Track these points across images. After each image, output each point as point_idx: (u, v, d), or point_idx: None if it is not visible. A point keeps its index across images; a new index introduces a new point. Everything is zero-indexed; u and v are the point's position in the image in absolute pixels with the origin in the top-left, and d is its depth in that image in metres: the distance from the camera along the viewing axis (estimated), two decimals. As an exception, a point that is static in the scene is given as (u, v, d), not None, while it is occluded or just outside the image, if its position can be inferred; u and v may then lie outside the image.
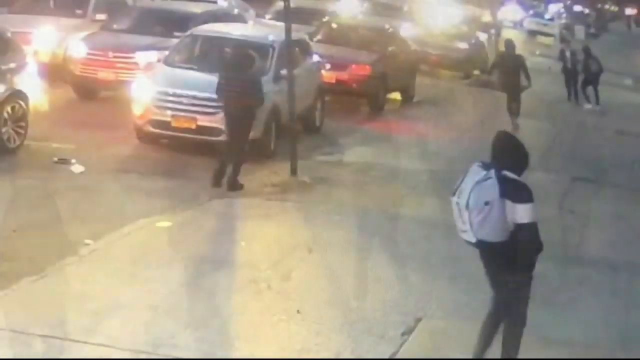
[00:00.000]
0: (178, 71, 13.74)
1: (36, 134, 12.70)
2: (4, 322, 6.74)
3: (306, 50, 15.73)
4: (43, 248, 8.66)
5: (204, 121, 12.73)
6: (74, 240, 8.87)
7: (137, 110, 13.10)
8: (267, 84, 13.03)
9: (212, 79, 12.94)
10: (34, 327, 6.67)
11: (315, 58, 16.12)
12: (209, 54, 14.51)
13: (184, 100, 12.89)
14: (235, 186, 11.32)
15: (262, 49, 13.90)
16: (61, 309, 7.07)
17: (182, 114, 12.85)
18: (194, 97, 12.86)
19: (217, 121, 12.55)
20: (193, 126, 12.79)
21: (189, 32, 14.94)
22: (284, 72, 13.22)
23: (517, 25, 38.81)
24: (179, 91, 12.97)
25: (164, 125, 12.86)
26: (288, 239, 9.48)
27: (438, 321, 7.74)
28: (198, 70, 13.65)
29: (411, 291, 8.37)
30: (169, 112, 12.85)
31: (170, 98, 12.94)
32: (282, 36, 14.31)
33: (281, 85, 13.17)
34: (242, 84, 11.49)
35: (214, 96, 12.37)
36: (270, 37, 14.54)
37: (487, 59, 28.74)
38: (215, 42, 14.65)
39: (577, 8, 59.38)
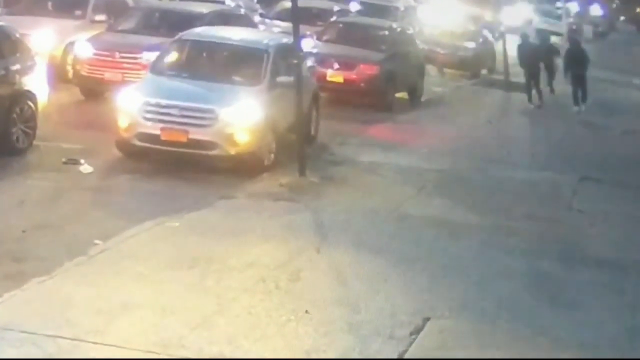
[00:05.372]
0: (167, 80, 12.91)
1: (45, 135, 12.73)
2: (13, 323, 6.75)
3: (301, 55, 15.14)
4: (52, 248, 8.69)
5: (196, 134, 11.89)
6: (83, 241, 8.89)
7: (122, 122, 12.15)
8: (262, 93, 12.50)
9: (205, 87, 12.42)
10: (44, 328, 6.68)
11: (309, 62, 15.27)
12: (200, 60, 13.78)
13: (174, 111, 12.02)
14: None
15: (255, 55, 13.17)
16: (70, 309, 7.09)
17: (172, 126, 11.96)
18: (185, 108, 12.00)
19: (210, 134, 11.89)
20: (184, 139, 11.91)
21: (177, 37, 13.96)
22: (280, 79, 12.82)
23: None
24: (168, 102, 12.10)
25: (153, 138, 11.98)
26: (296, 239, 9.47)
27: (446, 321, 7.73)
28: (189, 78, 12.93)
29: (419, 291, 8.36)
30: (157, 125, 11.96)
31: (159, 109, 12.06)
32: (278, 40, 14.02)
33: (277, 94, 12.65)
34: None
35: (207, 106, 11.88)
36: (265, 42, 13.70)
37: (495, 59, 28.75)
38: (206, 48, 13.87)
39: (595, 11, 59.03)
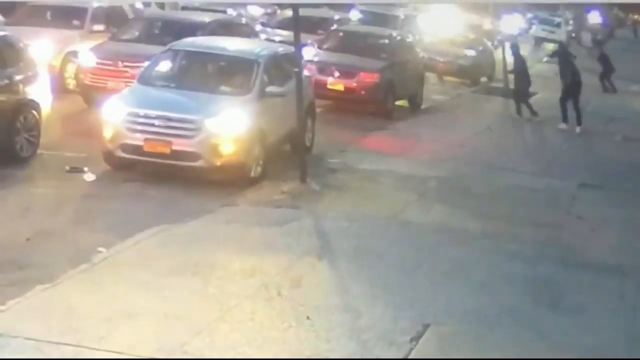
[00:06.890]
0: (153, 90, 12.70)
1: (48, 143, 12.81)
2: (17, 330, 6.79)
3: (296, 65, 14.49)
4: (56, 256, 8.76)
5: (179, 145, 11.65)
6: (86, 248, 8.94)
7: (107, 133, 11.95)
8: (250, 103, 12.30)
9: (191, 97, 12.22)
10: (47, 335, 6.73)
11: (306, 72, 15.07)
12: (189, 70, 13.46)
13: (157, 121, 11.79)
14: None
15: (245, 64, 13.00)
16: (74, 316, 7.13)
17: (156, 137, 11.73)
18: (169, 119, 11.75)
19: (194, 145, 11.65)
20: (167, 151, 11.69)
21: (167, 47, 13.81)
22: (270, 89, 12.66)
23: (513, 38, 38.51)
24: (151, 112, 11.86)
25: (136, 150, 11.78)
26: (297, 246, 9.52)
27: (446, 327, 7.76)
28: (176, 88, 12.71)
29: (420, 297, 8.41)
30: (141, 136, 11.77)
31: (142, 120, 11.84)
32: (271, 50, 13.93)
33: (267, 104, 12.52)
34: None
35: (191, 116, 11.68)
36: (256, 52, 13.50)
37: (495, 66, 28.83)
38: (196, 58, 13.60)
39: (596, 19, 59.08)
